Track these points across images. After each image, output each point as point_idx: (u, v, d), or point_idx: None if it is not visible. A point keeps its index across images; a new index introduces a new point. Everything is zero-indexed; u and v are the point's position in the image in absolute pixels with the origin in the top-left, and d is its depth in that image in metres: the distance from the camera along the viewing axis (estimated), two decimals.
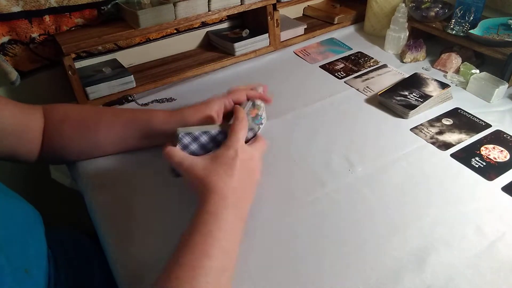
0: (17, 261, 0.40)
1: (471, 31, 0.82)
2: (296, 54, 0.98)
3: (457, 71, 0.85)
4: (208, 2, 0.83)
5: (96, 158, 0.63)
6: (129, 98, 0.81)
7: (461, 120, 0.72)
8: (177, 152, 0.50)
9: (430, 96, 0.74)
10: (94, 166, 0.63)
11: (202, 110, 0.61)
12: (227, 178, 0.47)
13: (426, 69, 0.88)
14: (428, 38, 0.93)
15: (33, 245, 0.46)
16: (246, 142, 0.53)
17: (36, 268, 0.44)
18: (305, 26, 1.04)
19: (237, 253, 0.44)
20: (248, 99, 0.64)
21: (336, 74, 0.89)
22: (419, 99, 0.74)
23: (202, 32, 1.00)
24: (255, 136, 0.54)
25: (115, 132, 0.61)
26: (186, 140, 0.52)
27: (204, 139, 0.52)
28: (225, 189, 0.46)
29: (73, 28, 0.81)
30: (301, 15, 1.17)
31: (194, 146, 0.53)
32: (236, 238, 0.45)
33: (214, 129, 0.52)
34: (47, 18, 0.77)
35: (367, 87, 0.83)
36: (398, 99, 0.74)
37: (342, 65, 0.92)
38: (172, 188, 0.59)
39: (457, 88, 0.81)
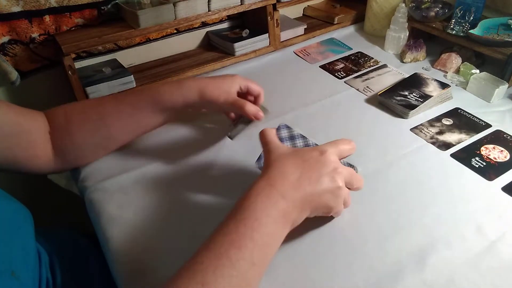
0: (3, 263, 0.39)
1: (471, 31, 0.82)
2: (296, 54, 0.98)
3: (457, 71, 0.85)
4: (208, 2, 0.83)
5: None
6: None
7: (461, 120, 0.72)
8: (270, 133, 0.50)
9: (430, 96, 0.74)
10: (94, 166, 0.63)
11: (222, 87, 0.59)
12: (291, 169, 0.44)
13: (426, 69, 0.88)
14: (428, 38, 0.93)
15: (21, 245, 0.44)
16: None
17: (24, 270, 0.43)
18: (305, 26, 1.04)
19: (274, 249, 0.42)
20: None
21: (336, 74, 0.89)
22: (419, 99, 0.74)
23: (202, 32, 1.00)
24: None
25: (124, 118, 0.59)
26: (284, 133, 0.52)
27: (299, 143, 0.52)
28: (279, 178, 0.43)
29: (73, 28, 0.81)
30: (301, 15, 1.17)
31: (287, 143, 0.53)
32: (274, 232, 0.41)
33: (312, 141, 0.52)
34: (47, 18, 0.77)
35: (367, 87, 0.83)
36: (398, 99, 0.74)
37: (342, 65, 0.92)
38: (174, 188, 0.59)
39: (457, 88, 0.81)
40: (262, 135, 0.50)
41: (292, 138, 0.52)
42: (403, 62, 0.91)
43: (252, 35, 0.95)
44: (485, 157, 0.63)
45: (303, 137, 0.52)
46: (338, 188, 0.45)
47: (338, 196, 0.46)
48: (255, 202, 0.41)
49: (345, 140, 0.49)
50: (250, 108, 0.59)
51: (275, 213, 0.41)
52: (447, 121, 0.71)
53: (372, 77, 0.86)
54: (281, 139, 0.52)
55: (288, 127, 0.52)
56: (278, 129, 0.52)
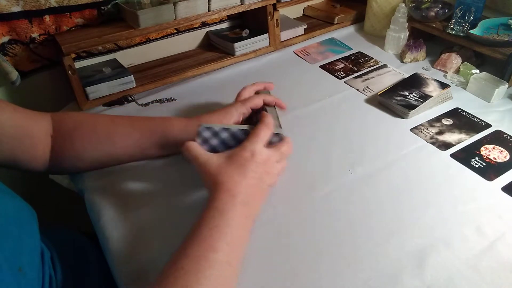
0: (11, 258, 0.40)
1: (471, 31, 0.82)
2: (296, 54, 0.98)
3: (457, 71, 0.85)
4: (208, 2, 0.83)
5: None
6: (129, 98, 0.81)
7: (461, 120, 0.72)
8: (194, 146, 0.51)
9: (430, 96, 0.74)
10: None
11: (221, 120, 0.61)
12: (239, 178, 0.48)
13: (426, 69, 0.88)
14: (428, 38, 0.93)
15: (27, 242, 0.45)
16: (270, 145, 0.54)
17: (29, 266, 0.43)
18: (305, 26, 1.04)
19: (244, 248, 0.45)
20: (265, 104, 0.64)
21: (336, 74, 0.89)
22: (419, 99, 0.74)
23: (202, 32, 1.00)
24: (280, 140, 0.55)
25: (132, 142, 0.60)
26: (206, 134, 0.53)
27: (224, 135, 0.53)
28: (235, 188, 0.47)
29: (73, 28, 0.81)
30: (301, 15, 1.17)
31: (214, 142, 0.53)
32: (243, 234, 0.46)
33: (235, 128, 0.53)
34: (47, 18, 0.77)
35: (367, 87, 0.83)
36: (398, 99, 0.74)
37: (342, 65, 0.92)
38: (173, 189, 0.59)
39: (457, 88, 0.81)
40: (187, 151, 0.51)
41: (215, 134, 0.53)
42: (403, 62, 0.91)
43: (252, 35, 0.95)
44: (485, 157, 0.63)
45: (225, 128, 0.53)
46: (277, 172, 0.53)
47: (278, 169, 0.53)
48: (223, 210, 0.45)
49: (261, 127, 0.52)
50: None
51: (240, 217, 0.46)
52: (447, 121, 0.71)
53: (372, 77, 0.86)
54: (206, 141, 0.53)
55: (207, 127, 0.53)
56: (198, 133, 0.53)
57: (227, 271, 0.42)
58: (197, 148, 0.51)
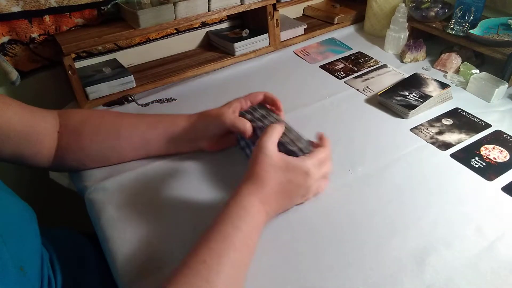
0: (14, 257, 0.40)
1: (471, 31, 0.82)
2: (296, 54, 0.98)
3: (457, 71, 0.85)
4: (208, 2, 0.83)
5: None
6: (129, 98, 0.81)
7: (461, 120, 0.72)
8: (273, 136, 0.52)
9: (430, 96, 0.74)
10: None
11: (221, 110, 0.61)
12: (278, 191, 0.49)
13: (426, 69, 0.88)
14: (428, 38, 0.93)
15: (28, 242, 0.46)
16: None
17: (30, 266, 0.44)
18: (305, 26, 1.04)
19: (255, 250, 0.47)
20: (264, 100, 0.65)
21: (336, 74, 0.89)
22: (419, 99, 0.74)
23: (202, 32, 1.00)
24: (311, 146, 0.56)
25: (137, 133, 0.61)
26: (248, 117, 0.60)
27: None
28: (269, 204, 0.49)
29: (73, 28, 0.81)
30: (301, 15, 1.17)
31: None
32: (257, 236, 0.47)
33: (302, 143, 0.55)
34: (47, 18, 0.77)
35: (367, 87, 0.83)
36: (398, 99, 0.74)
37: (342, 65, 0.92)
38: (175, 188, 0.59)
39: (457, 88, 0.81)
40: (265, 134, 0.52)
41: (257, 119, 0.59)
42: (403, 62, 0.91)
43: (252, 35, 0.95)
44: (485, 157, 0.63)
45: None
46: (307, 197, 0.55)
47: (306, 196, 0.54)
48: (251, 216, 0.47)
49: (322, 152, 0.53)
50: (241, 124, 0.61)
51: (262, 225, 0.49)
52: (447, 121, 0.71)
53: (372, 77, 0.86)
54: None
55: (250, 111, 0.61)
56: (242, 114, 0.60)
57: (242, 272, 0.43)
58: (273, 139, 0.51)
